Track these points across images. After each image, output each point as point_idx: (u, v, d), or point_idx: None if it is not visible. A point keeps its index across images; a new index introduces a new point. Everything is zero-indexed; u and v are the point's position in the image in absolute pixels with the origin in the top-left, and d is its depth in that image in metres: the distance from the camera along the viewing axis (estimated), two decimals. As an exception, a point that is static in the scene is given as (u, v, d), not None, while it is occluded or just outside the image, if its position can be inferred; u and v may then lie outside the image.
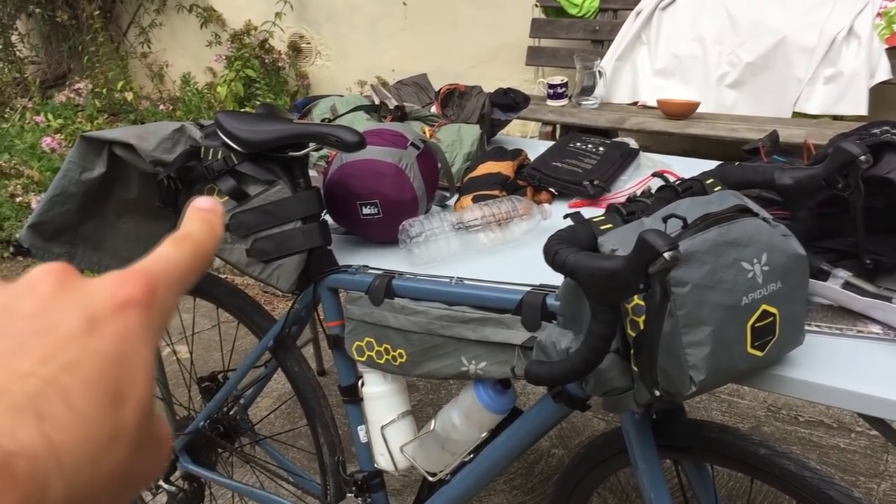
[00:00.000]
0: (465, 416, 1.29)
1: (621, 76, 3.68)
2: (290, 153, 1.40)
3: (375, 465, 1.47)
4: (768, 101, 3.33)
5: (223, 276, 3.33)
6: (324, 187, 1.50)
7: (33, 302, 0.27)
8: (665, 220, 0.97)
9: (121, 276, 0.28)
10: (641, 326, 0.91)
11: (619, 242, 0.95)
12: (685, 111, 3.27)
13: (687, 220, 0.95)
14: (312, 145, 1.41)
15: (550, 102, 3.62)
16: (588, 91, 3.55)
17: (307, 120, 2.02)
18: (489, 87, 2.16)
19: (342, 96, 2.06)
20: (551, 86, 3.62)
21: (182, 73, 5.13)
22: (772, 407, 2.42)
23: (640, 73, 3.66)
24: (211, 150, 1.42)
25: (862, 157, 1.08)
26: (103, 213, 1.54)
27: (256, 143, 1.38)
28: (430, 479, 1.38)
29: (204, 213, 0.32)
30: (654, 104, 3.42)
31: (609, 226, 1.01)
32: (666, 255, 0.80)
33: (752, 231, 0.96)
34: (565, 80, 3.63)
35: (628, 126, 3.30)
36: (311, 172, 1.70)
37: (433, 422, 1.35)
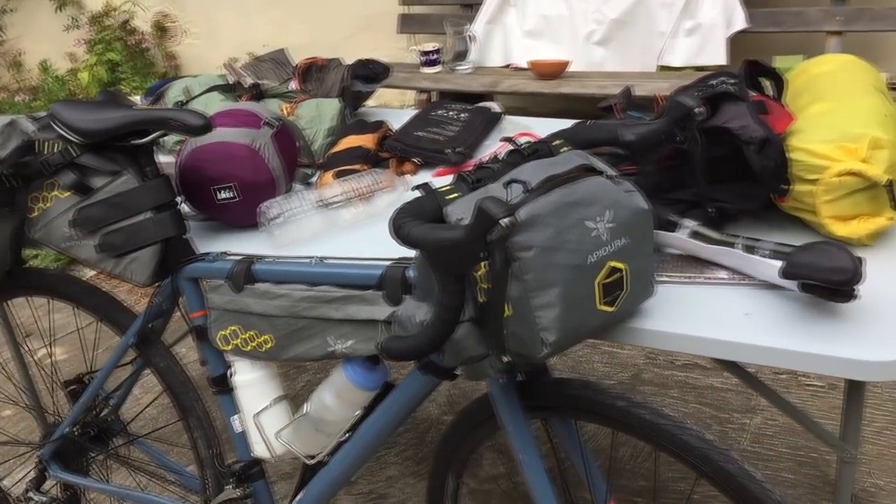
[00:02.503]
0: (336, 396, 1.28)
1: (493, 39, 3.69)
2: (134, 141, 1.33)
3: (252, 454, 1.44)
4: (635, 57, 3.41)
5: (86, 275, 3.20)
6: (176, 173, 1.44)
7: None
8: (506, 185, 0.96)
9: None
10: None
11: (464, 212, 0.94)
12: (556, 71, 3.31)
13: (529, 184, 0.95)
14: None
15: (425, 70, 3.60)
16: (461, 56, 3.55)
17: (161, 104, 1.93)
18: (364, 57, 2.10)
19: (196, 77, 1.98)
20: (424, 53, 3.60)
21: (39, 61, 4.85)
22: (650, 354, 2.50)
23: (510, 35, 3.67)
24: (47, 144, 1.34)
25: (696, 110, 1.11)
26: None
27: (96, 132, 1.31)
28: (309, 462, 1.36)
29: None
30: (526, 65, 3.44)
31: (456, 195, 1.00)
32: (503, 221, 0.80)
33: (596, 189, 0.97)
34: (438, 46, 3.61)
35: (502, 89, 3.31)
36: (168, 158, 1.63)
37: (306, 405, 1.33)
